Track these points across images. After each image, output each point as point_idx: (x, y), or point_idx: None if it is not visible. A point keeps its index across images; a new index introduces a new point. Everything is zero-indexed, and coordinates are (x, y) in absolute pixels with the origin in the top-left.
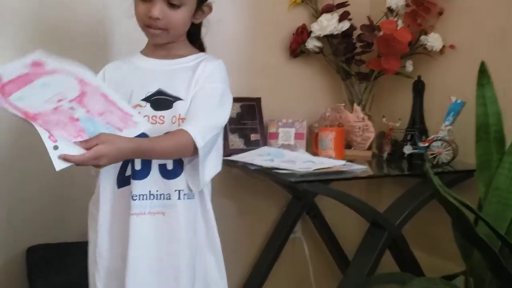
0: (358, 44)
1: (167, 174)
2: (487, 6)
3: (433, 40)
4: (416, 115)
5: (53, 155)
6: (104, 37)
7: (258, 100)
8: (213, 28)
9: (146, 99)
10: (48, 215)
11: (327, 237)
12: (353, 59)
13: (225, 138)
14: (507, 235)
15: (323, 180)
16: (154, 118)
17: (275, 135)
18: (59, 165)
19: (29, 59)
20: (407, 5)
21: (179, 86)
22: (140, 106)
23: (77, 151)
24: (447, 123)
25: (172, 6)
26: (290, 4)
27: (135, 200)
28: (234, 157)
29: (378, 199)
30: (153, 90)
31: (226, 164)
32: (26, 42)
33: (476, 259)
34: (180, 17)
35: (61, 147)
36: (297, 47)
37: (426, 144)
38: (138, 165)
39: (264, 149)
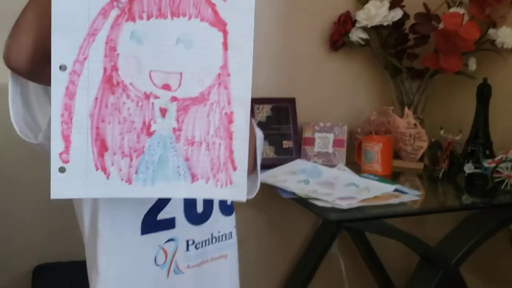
0: (411, 36)
1: (227, 209)
2: None
3: (504, 35)
4: (480, 126)
5: None
6: None
7: (291, 100)
8: None
9: None
10: (58, 231)
11: (367, 254)
12: (405, 53)
13: None
14: None
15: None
16: None
17: (311, 141)
18: None
19: None
20: None
21: None
22: None
23: None
24: None
25: None
26: None
27: (198, 249)
28: (263, 175)
29: (423, 222)
30: None
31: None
32: None
33: None
34: None
35: None
36: (339, 38)
37: (493, 165)
38: (200, 207)
39: (298, 164)
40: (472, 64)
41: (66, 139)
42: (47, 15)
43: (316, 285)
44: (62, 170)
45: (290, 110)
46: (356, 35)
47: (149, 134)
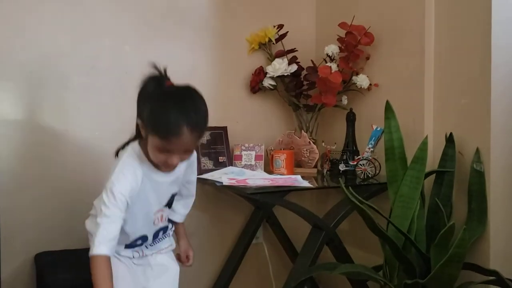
0: (305, 82)
1: None
2: (402, 53)
3: (362, 80)
4: (349, 139)
5: None
6: None
7: (225, 128)
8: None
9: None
10: (52, 223)
11: (284, 241)
12: (301, 94)
13: (198, 161)
14: (409, 231)
15: (272, 192)
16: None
17: (239, 157)
18: None
19: None
20: (341, 51)
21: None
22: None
23: None
24: (370, 146)
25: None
26: (249, 50)
27: None
28: (204, 176)
29: (325, 206)
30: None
31: (199, 181)
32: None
33: (389, 251)
34: None
35: None
36: (255, 85)
37: (355, 163)
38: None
39: (229, 169)
40: (344, 100)
41: None
42: None
43: (246, 268)
44: None
45: (223, 135)
46: (267, 82)
47: None
